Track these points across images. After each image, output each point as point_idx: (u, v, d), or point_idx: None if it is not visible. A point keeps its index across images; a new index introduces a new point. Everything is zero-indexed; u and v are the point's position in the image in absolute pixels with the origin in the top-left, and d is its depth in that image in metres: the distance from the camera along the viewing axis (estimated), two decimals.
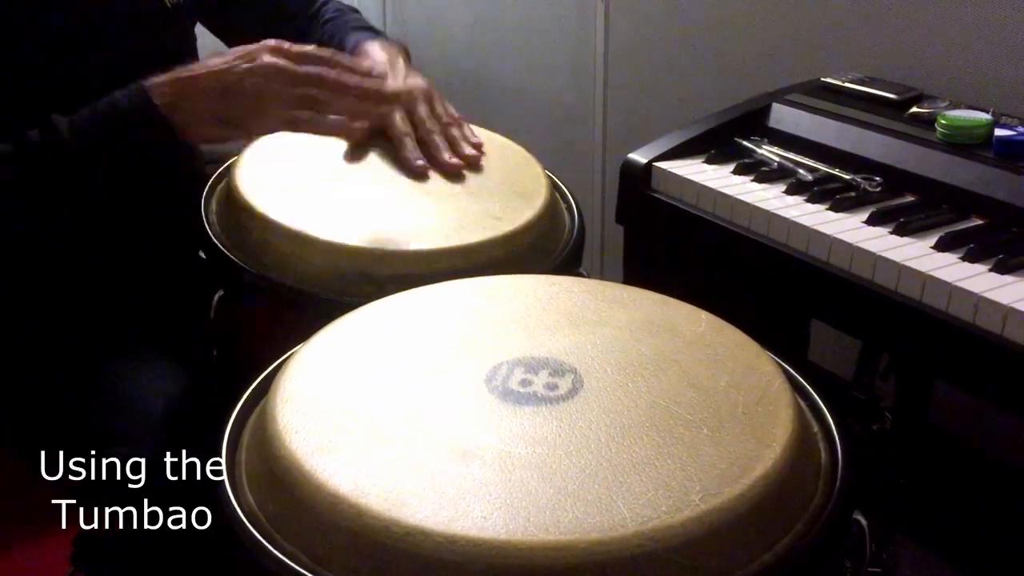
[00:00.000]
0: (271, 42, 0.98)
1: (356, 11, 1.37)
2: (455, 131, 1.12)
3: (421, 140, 1.10)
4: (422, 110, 1.12)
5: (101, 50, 1.12)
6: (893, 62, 1.53)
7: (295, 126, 0.98)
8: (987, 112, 1.25)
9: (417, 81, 1.15)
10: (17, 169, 0.96)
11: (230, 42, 1.35)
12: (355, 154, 1.12)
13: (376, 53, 1.19)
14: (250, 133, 0.99)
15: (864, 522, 0.74)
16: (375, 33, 1.28)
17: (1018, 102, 1.36)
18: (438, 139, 1.10)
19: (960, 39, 1.45)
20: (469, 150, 1.10)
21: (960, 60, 1.46)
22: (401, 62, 1.19)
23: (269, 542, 0.65)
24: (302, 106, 0.97)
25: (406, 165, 1.08)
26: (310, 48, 0.99)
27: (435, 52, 2.62)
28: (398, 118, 1.10)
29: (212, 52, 1.01)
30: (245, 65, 0.96)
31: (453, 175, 1.10)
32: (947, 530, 1.47)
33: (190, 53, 1.27)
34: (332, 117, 0.98)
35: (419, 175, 1.07)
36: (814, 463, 0.72)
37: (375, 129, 1.10)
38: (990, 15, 1.41)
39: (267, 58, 0.96)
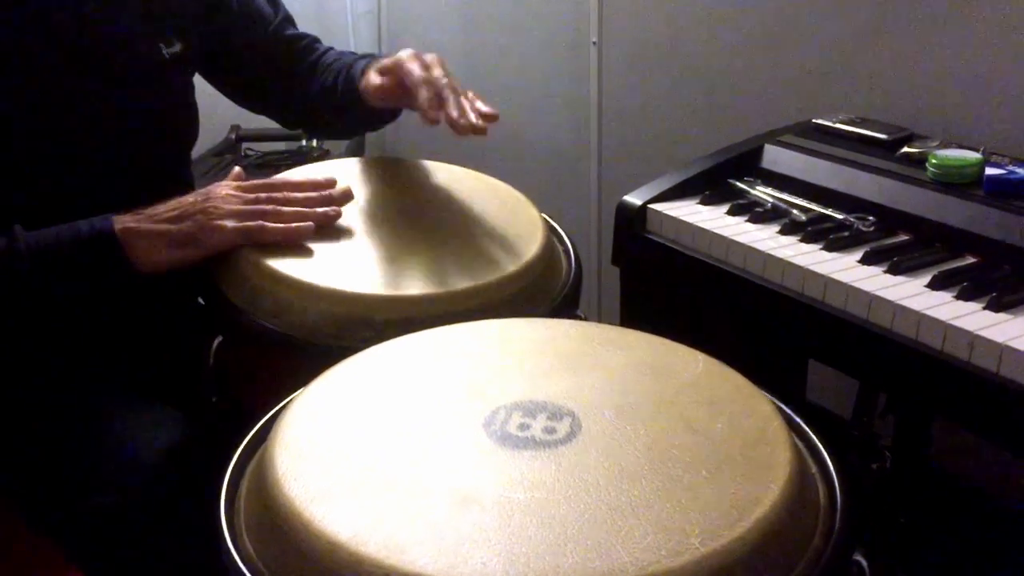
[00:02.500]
0: (226, 180, 1.09)
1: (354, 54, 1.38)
2: (466, 102, 1.13)
3: (435, 94, 1.12)
4: (437, 70, 1.15)
5: (100, 102, 1.13)
6: (884, 103, 1.55)
7: (246, 236, 1.03)
8: (977, 151, 1.26)
9: (433, 54, 1.19)
10: None
11: (228, 93, 1.37)
12: (352, 201, 1.13)
13: (390, 57, 1.22)
14: (204, 250, 1.03)
15: (864, 562, 0.74)
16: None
17: (1008, 140, 1.38)
18: (451, 95, 1.12)
19: (949, 79, 1.47)
20: (484, 109, 1.12)
21: (950, 100, 1.47)
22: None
23: None
24: (251, 218, 1.04)
25: (420, 113, 1.12)
26: (260, 181, 1.10)
27: None
28: (416, 68, 1.14)
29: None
30: (199, 196, 1.06)
31: (452, 219, 1.10)
32: (947, 568, 1.46)
33: (188, 104, 1.28)
34: (277, 225, 1.04)
35: (432, 123, 1.11)
36: (813, 504, 0.72)
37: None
38: (979, 55, 1.43)
39: (219, 189, 1.07)
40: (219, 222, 1.03)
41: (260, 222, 1.04)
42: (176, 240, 1.02)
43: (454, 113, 1.10)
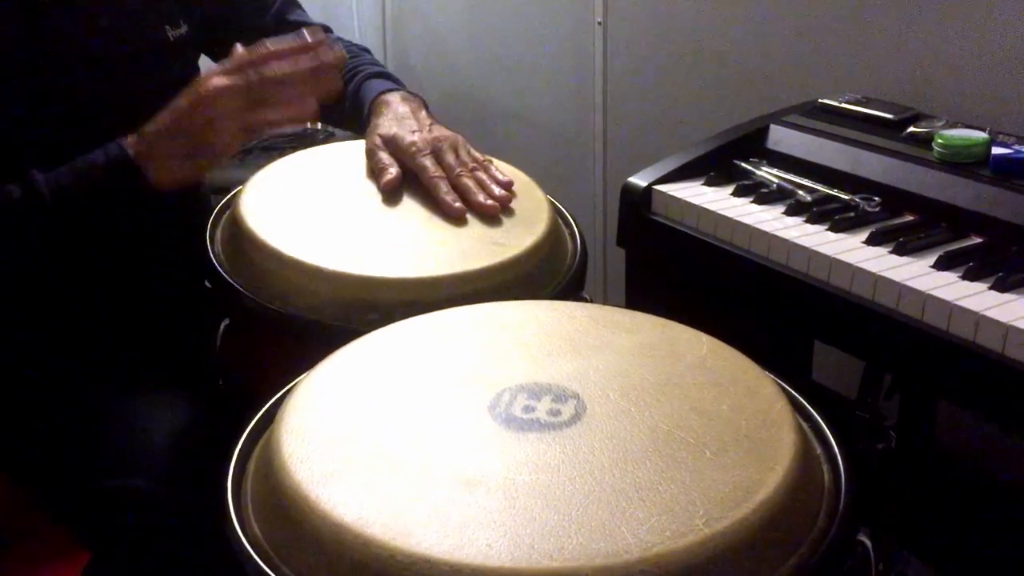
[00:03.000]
0: (214, 68, 1.04)
1: (367, 50, 1.38)
2: (482, 174, 1.13)
3: (453, 184, 1.10)
4: (450, 157, 1.13)
5: (104, 84, 1.13)
6: (889, 82, 1.54)
7: (252, 132, 1.02)
8: (984, 130, 1.25)
9: (443, 131, 1.17)
10: None
11: None
12: (358, 183, 1.13)
13: (398, 106, 1.20)
14: (216, 156, 1.03)
15: (869, 543, 0.74)
16: (393, 82, 1.28)
17: (1014, 120, 1.37)
18: (469, 182, 1.10)
19: (955, 58, 1.46)
20: (500, 191, 1.11)
21: (956, 79, 1.47)
22: (424, 114, 1.21)
23: (274, 572, 0.65)
24: (250, 111, 1.01)
25: (444, 209, 1.08)
26: (241, 52, 1.02)
27: (435, 79, 2.64)
28: (429, 163, 1.11)
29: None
30: (191, 99, 1.02)
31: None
32: (953, 548, 1.46)
33: None
34: (280, 113, 1.02)
35: (457, 218, 1.08)
36: (817, 485, 0.72)
37: (405, 174, 1.11)
38: (985, 34, 1.42)
39: (210, 84, 1.01)
40: (221, 124, 1.01)
41: (262, 115, 1.01)
42: (187, 153, 1.02)
43: (480, 199, 1.09)
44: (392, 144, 1.14)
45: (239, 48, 1.03)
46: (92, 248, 1.10)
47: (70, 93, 1.11)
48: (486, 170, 1.14)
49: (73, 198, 1.01)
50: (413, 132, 1.15)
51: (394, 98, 1.22)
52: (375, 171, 1.13)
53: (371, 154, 1.15)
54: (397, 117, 1.18)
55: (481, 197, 1.09)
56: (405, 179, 1.12)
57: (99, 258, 1.13)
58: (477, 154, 1.16)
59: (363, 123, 1.22)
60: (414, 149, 1.12)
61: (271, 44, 1.02)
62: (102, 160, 1.02)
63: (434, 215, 1.08)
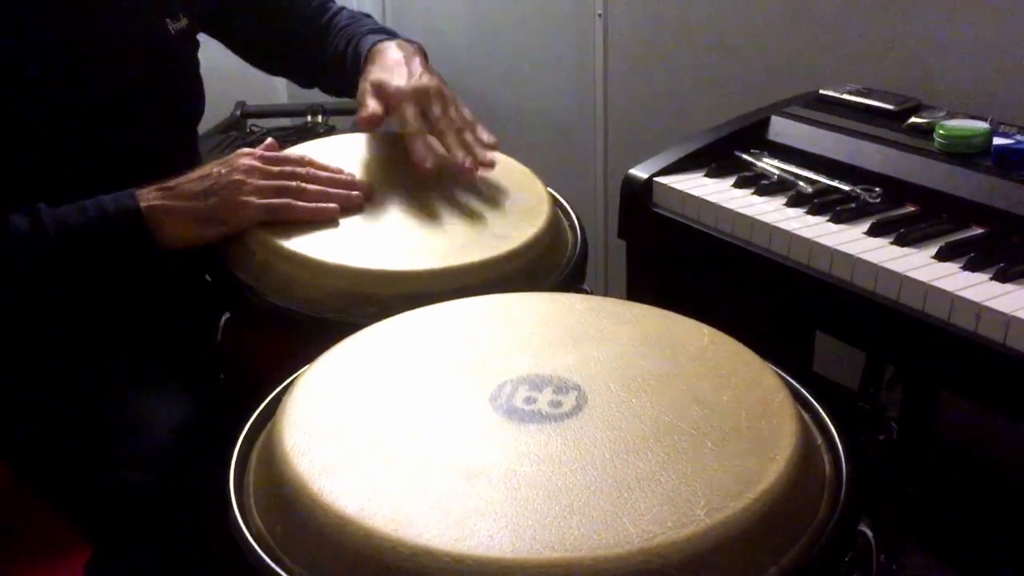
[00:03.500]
0: (247, 149, 1.06)
1: (369, 16, 1.38)
2: (468, 135, 1.12)
3: (434, 136, 1.10)
4: (436, 109, 1.12)
5: (105, 78, 1.13)
6: (890, 73, 1.54)
7: (272, 214, 1.02)
8: (985, 121, 1.25)
9: (432, 80, 1.15)
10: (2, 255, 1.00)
11: (245, 55, 1.37)
12: (358, 176, 1.13)
13: (392, 53, 1.20)
14: (230, 227, 1.02)
15: (870, 534, 0.74)
16: (390, 35, 1.28)
17: (1016, 110, 1.37)
18: (451, 138, 1.10)
19: (957, 49, 1.46)
20: (484, 155, 1.10)
21: (957, 69, 1.46)
22: (417, 61, 1.20)
23: (277, 564, 0.66)
24: (276, 195, 1.02)
25: (415, 164, 1.08)
26: (283, 152, 1.08)
27: (435, 68, 2.64)
28: (410, 114, 1.11)
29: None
30: (223, 168, 1.03)
31: (457, 194, 1.10)
32: (955, 539, 1.47)
33: (193, 80, 1.28)
34: (304, 204, 1.03)
35: (425, 175, 1.08)
36: (818, 476, 0.72)
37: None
38: (987, 24, 1.42)
39: (246, 158, 1.04)
40: (245, 199, 1.01)
41: (287, 200, 1.02)
42: (202, 217, 1.01)
43: (459, 155, 1.09)
44: (379, 89, 1.14)
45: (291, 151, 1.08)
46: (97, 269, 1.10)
47: (71, 87, 1.11)
48: (472, 130, 1.12)
49: (77, 240, 1.00)
50: (401, 78, 1.14)
51: (388, 46, 1.22)
52: (360, 109, 1.14)
53: (360, 99, 1.15)
54: (388, 64, 1.18)
55: (459, 154, 1.08)
56: (403, 173, 1.12)
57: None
58: (467, 113, 1.15)
59: (359, 78, 1.21)
60: (399, 96, 1.12)
61: (317, 160, 1.08)
62: (112, 208, 1.00)
63: (433, 208, 1.08)
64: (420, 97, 1.12)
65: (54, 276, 1.02)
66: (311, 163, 1.08)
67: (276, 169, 1.05)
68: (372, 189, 1.09)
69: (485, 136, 1.13)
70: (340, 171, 1.10)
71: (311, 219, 1.03)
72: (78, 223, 1.00)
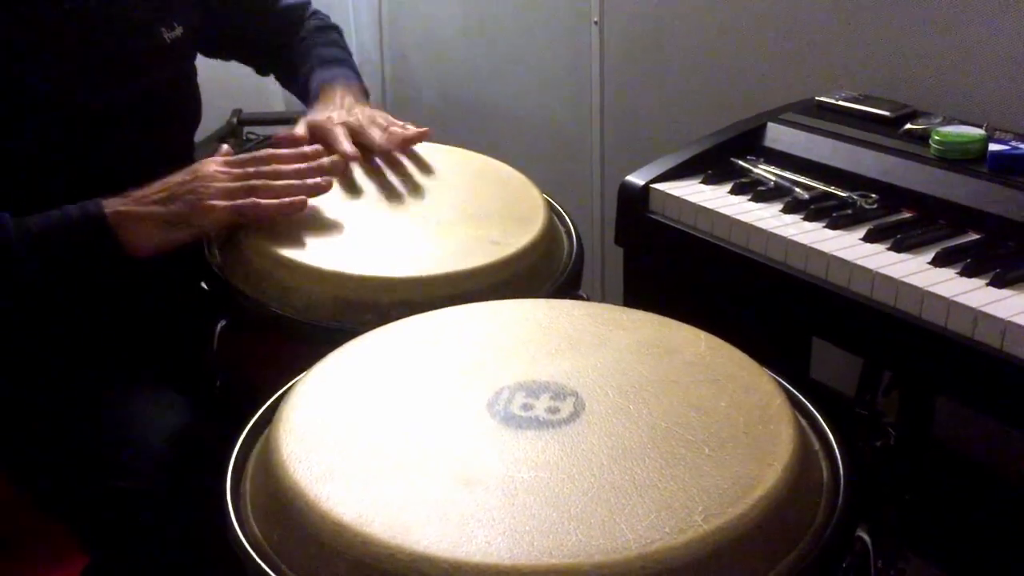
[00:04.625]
0: (217, 156, 1.08)
1: (336, 28, 1.40)
2: (395, 129, 1.19)
3: (354, 135, 1.18)
4: (360, 117, 1.20)
5: (101, 86, 1.13)
6: (886, 79, 1.54)
7: (238, 214, 1.03)
8: (980, 127, 1.25)
9: (364, 109, 1.23)
10: None
11: (248, 61, 1.41)
12: (353, 184, 1.13)
13: (331, 96, 1.26)
14: (197, 230, 1.03)
15: (868, 539, 0.74)
16: (340, 64, 1.33)
17: (1011, 116, 1.37)
18: (372, 131, 1.18)
19: (952, 55, 1.46)
20: (401, 132, 1.18)
21: (953, 76, 1.47)
22: (350, 100, 1.25)
23: (274, 571, 0.66)
24: (243, 195, 1.03)
25: (338, 150, 1.14)
26: (247, 155, 1.09)
27: (432, 79, 2.64)
28: (339, 132, 1.18)
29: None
30: (187, 176, 1.04)
31: (453, 201, 1.10)
32: (952, 545, 1.46)
33: (190, 88, 1.28)
34: (270, 201, 1.04)
35: (351, 158, 1.14)
36: (816, 481, 0.72)
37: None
38: (982, 31, 1.42)
39: (209, 164, 1.05)
40: (210, 202, 1.02)
41: (252, 199, 1.03)
42: (167, 221, 1.02)
43: (375, 135, 1.17)
44: (314, 128, 1.20)
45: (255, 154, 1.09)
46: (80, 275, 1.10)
47: (67, 96, 1.11)
48: (401, 127, 1.19)
49: (42, 248, 1.00)
50: (331, 113, 1.21)
51: (332, 89, 1.27)
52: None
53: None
54: (324, 106, 1.24)
55: (376, 134, 1.16)
56: (400, 180, 1.13)
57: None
58: (397, 121, 1.22)
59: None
60: (329, 124, 1.19)
61: (279, 153, 1.10)
62: (76, 214, 1.01)
63: (430, 215, 1.08)
64: (347, 119, 1.20)
65: (21, 284, 1.02)
66: (275, 158, 1.09)
67: (239, 171, 1.05)
68: (346, 165, 1.14)
69: (411, 127, 1.20)
70: (307, 154, 1.11)
71: (279, 214, 1.03)
72: (43, 230, 1.00)
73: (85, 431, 1.07)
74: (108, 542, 1.05)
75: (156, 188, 1.04)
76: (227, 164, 1.06)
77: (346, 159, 1.14)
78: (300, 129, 1.19)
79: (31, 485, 1.14)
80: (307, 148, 1.12)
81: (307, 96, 1.30)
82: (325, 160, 1.10)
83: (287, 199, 1.04)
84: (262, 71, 1.44)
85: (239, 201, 1.02)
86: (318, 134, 1.19)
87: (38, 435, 1.09)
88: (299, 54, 1.35)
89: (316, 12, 1.41)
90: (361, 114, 1.21)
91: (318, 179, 1.07)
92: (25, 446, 1.10)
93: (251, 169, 1.06)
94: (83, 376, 1.12)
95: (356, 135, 1.18)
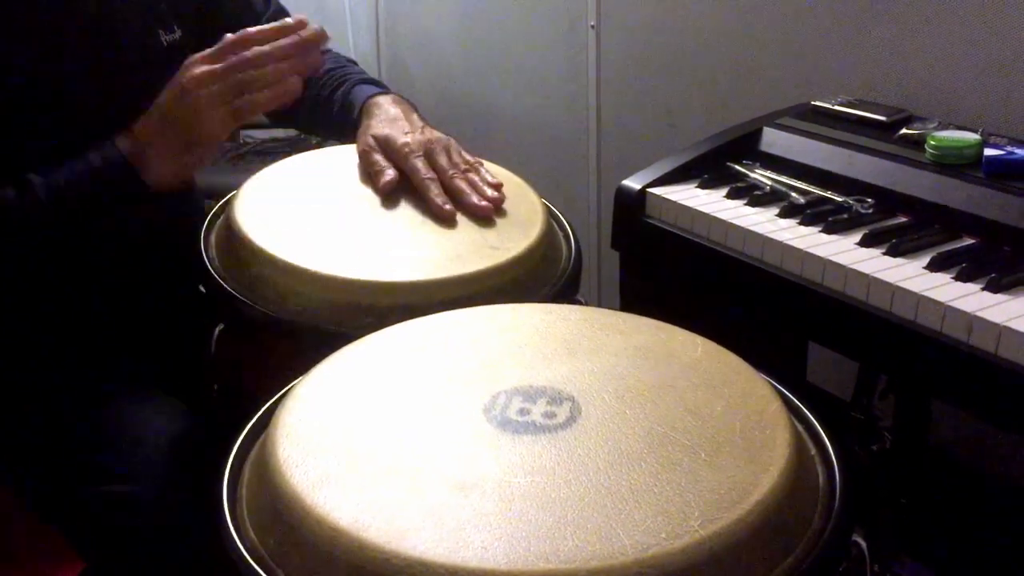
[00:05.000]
0: (196, 56, 1.04)
1: (354, 61, 1.38)
2: (474, 176, 1.13)
3: (445, 186, 1.10)
4: (442, 159, 1.12)
5: (98, 90, 1.13)
6: (882, 84, 1.55)
7: (238, 116, 1.02)
8: (976, 132, 1.26)
9: (435, 133, 1.17)
10: None
11: None
12: (352, 187, 1.13)
13: (390, 108, 1.20)
14: (206, 145, 1.03)
15: (864, 544, 0.74)
16: (380, 86, 1.28)
17: (1007, 121, 1.38)
18: (461, 184, 1.10)
19: (947, 60, 1.47)
20: (492, 192, 1.11)
21: (948, 81, 1.47)
22: (416, 117, 1.20)
23: None
24: (236, 95, 1.02)
25: (433, 210, 1.08)
26: (226, 39, 1.04)
27: (429, 83, 2.65)
28: (420, 165, 1.11)
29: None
30: (176, 91, 1.03)
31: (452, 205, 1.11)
32: (948, 549, 1.47)
33: None
34: (266, 93, 1.02)
35: (446, 220, 1.07)
36: (812, 486, 0.72)
37: (401, 178, 1.11)
38: (976, 36, 1.43)
39: (192, 72, 1.02)
40: (208, 112, 1.01)
41: (246, 97, 1.02)
42: (179, 146, 1.03)
43: (473, 200, 1.09)
44: (385, 145, 1.14)
45: (227, 36, 1.04)
46: (86, 254, 1.10)
47: (64, 98, 1.11)
48: (477, 172, 1.14)
49: (70, 199, 1.02)
50: (406, 134, 1.15)
51: (385, 100, 1.22)
52: (370, 173, 1.13)
53: (364, 155, 1.15)
54: (389, 118, 1.18)
55: (474, 199, 1.09)
56: (398, 183, 1.12)
57: (93, 263, 1.13)
58: (469, 156, 1.16)
59: (352, 125, 1.22)
60: (407, 150, 1.12)
61: (253, 30, 1.04)
62: (99, 162, 1.02)
63: (427, 219, 1.08)
64: (427, 149, 1.13)
65: (51, 239, 1.03)
66: (251, 39, 1.04)
67: (223, 66, 1.02)
68: (325, 34, 1.08)
69: (489, 177, 1.14)
70: (287, 27, 1.06)
71: (279, 103, 1.03)
72: (67, 181, 1.01)
73: (81, 436, 1.07)
74: (104, 548, 1.05)
75: (153, 116, 1.03)
76: (208, 61, 1.03)
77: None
78: (390, 174, 1.11)
79: (27, 491, 1.13)
80: (288, 20, 1.08)
81: (346, 111, 1.24)
82: (306, 31, 1.06)
83: (279, 87, 1.02)
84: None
85: (235, 103, 1.01)
86: (393, 158, 1.13)
87: (33, 440, 1.09)
88: (322, 80, 1.30)
89: (329, 49, 1.38)
90: (436, 143, 1.14)
91: (307, 57, 1.04)
92: (20, 450, 1.10)
93: (235, 60, 1.02)
94: (79, 380, 1.12)
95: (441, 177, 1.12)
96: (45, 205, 1.00)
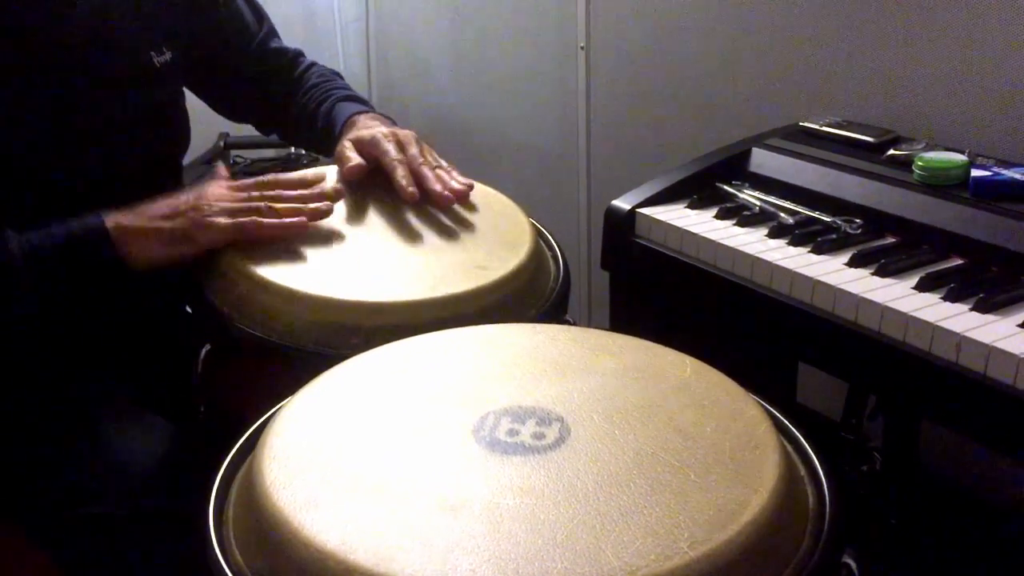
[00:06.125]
0: (219, 179, 1.09)
1: (340, 75, 1.39)
2: (443, 173, 1.16)
3: (412, 171, 1.14)
4: (413, 148, 1.16)
5: (90, 110, 1.13)
6: (870, 106, 1.56)
7: (240, 232, 1.03)
8: (963, 153, 1.26)
9: (408, 131, 1.20)
10: None
11: (211, 103, 1.37)
12: (339, 208, 1.13)
13: (368, 122, 1.23)
14: (198, 246, 1.03)
15: (854, 564, 0.74)
16: (363, 102, 1.31)
17: (993, 142, 1.39)
18: (428, 172, 1.14)
19: (935, 82, 1.48)
20: (458, 185, 1.14)
21: (935, 102, 1.48)
22: (389, 123, 1.24)
23: None
24: (245, 213, 1.04)
25: (397, 191, 1.12)
26: (252, 180, 1.10)
27: (420, 104, 2.65)
28: (391, 149, 1.15)
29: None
30: (192, 194, 1.05)
31: (439, 225, 1.11)
32: (937, 569, 1.46)
33: (178, 112, 1.28)
34: (271, 220, 1.04)
35: (410, 201, 1.11)
36: (802, 507, 0.72)
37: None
38: (964, 58, 1.44)
39: (212, 188, 1.06)
40: (213, 219, 1.02)
41: (254, 218, 1.03)
42: (169, 237, 1.02)
43: (436, 188, 1.12)
44: (358, 141, 1.18)
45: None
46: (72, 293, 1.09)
47: (56, 118, 1.11)
48: (446, 171, 1.17)
49: (46, 262, 1.00)
50: (381, 132, 1.19)
51: (364, 118, 1.25)
52: (341, 164, 1.16)
53: (339, 153, 1.18)
54: (367, 128, 1.22)
55: (438, 187, 1.12)
56: (386, 202, 1.13)
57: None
58: (441, 160, 1.20)
59: (334, 143, 1.23)
60: (379, 137, 1.16)
61: (283, 176, 1.12)
62: (77, 228, 1.01)
63: (415, 240, 1.08)
64: (400, 139, 1.17)
65: (22, 298, 1.01)
66: (277, 182, 1.10)
67: (243, 193, 1.07)
68: (343, 192, 1.13)
69: (459, 176, 1.17)
70: (310, 180, 1.13)
71: (281, 235, 1.04)
72: (45, 246, 1.00)
73: (68, 457, 1.06)
74: (89, 569, 1.04)
75: (161, 204, 1.04)
76: (233, 187, 1.07)
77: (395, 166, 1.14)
78: (355, 158, 1.16)
79: (11, 511, 1.12)
80: (309, 173, 1.14)
81: (330, 127, 1.27)
82: (327, 185, 1.12)
83: (288, 219, 1.05)
84: (257, 119, 1.42)
85: (240, 219, 1.03)
86: (366, 149, 1.17)
87: (16, 459, 1.08)
88: (309, 94, 1.33)
89: (315, 63, 1.40)
90: (409, 136, 1.19)
91: (319, 204, 1.08)
92: (5, 472, 1.09)
93: (255, 192, 1.07)
94: (65, 401, 1.11)
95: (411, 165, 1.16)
96: (17, 260, 0.99)
